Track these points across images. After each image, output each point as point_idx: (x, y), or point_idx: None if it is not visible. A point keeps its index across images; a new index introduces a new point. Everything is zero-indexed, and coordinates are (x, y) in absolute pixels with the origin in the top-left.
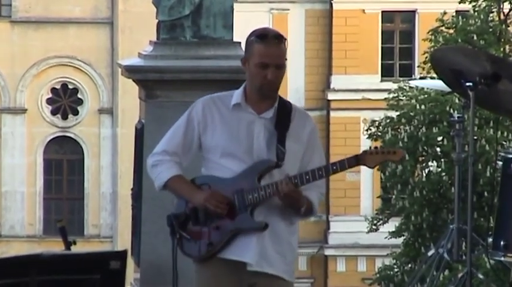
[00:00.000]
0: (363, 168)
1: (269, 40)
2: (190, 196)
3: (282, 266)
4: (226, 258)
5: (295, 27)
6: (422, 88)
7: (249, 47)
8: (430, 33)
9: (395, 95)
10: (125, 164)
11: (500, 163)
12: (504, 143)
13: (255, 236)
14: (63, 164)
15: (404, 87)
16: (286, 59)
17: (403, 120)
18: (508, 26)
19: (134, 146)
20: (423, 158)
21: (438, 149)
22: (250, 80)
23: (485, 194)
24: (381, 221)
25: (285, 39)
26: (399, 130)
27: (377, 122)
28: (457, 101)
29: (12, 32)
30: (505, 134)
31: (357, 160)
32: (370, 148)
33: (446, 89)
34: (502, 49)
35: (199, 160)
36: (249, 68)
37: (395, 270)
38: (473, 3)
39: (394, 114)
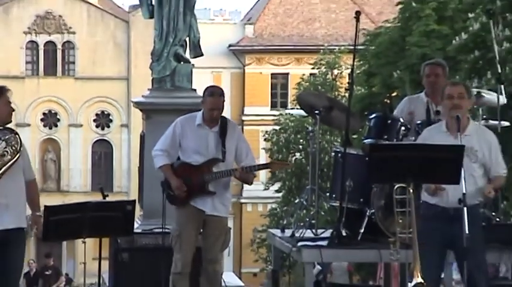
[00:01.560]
0: (262, 157)
1: (215, 96)
2: (170, 179)
3: (222, 211)
4: (195, 206)
5: (226, 81)
6: (292, 114)
7: (205, 97)
8: (296, 85)
9: (278, 117)
10: (135, 154)
11: (332, 154)
12: (335, 143)
13: (210, 198)
14: (102, 154)
15: (283, 113)
16: (224, 101)
17: (282, 130)
18: (336, 82)
19: (139, 145)
20: (292, 151)
21: (301, 146)
22: (205, 113)
23: (325, 170)
24: (270, 184)
25: (223, 93)
26: (280, 136)
27: (268, 132)
28: (310, 120)
29: (75, 83)
30: (335, 138)
31: (266, 166)
32: (273, 159)
33: (304, 114)
34: (333, 94)
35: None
36: (204, 107)
37: (278, 210)
38: (318, 69)
39: (277, 127)
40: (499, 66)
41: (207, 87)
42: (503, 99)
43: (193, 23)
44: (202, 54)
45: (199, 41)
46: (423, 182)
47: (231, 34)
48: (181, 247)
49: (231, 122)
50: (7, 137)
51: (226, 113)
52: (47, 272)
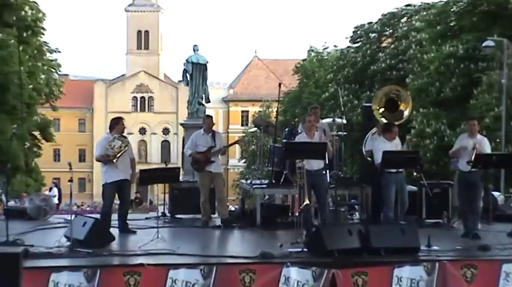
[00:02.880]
0: (238, 149)
1: (209, 119)
2: (196, 157)
3: (219, 169)
4: (206, 169)
5: (220, 114)
6: (251, 127)
7: (204, 120)
8: (252, 116)
9: (244, 130)
10: (180, 147)
11: (269, 146)
12: (270, 142)
13: (213, 164)
14: (166, 147)
15: (246, 129)
16: (214, 124)
17: (246, 136)
18: (270, 114)
19: (182, 143)
20: (251, 145)
21: (254, 142)
22: (205, 128)
23: (265, 153)
24: (241, 159)
25: (212, 118)
26: (245, 138)
27: (240, 137)
28: (259, 131)
29: (154, 115)
30: (269, 139)
31: (236, 142)
32: (238, 138)
33: (255, 129)
34: (269, 120)
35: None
36: (204, 125)
37: (244, 171)
38: (262, 108)
39: (244, 134)
40: (342, 107)
41: (205, 115)
42: (344, 122)
43: (206, 88)
44: (209, 102)
45: (208, 95)
46: (308, 158)
47: (223, 93)
48: (203, 189)
49: (217, 131)
50: (122, 139)
51: (221, 128)
52: (136, 200)
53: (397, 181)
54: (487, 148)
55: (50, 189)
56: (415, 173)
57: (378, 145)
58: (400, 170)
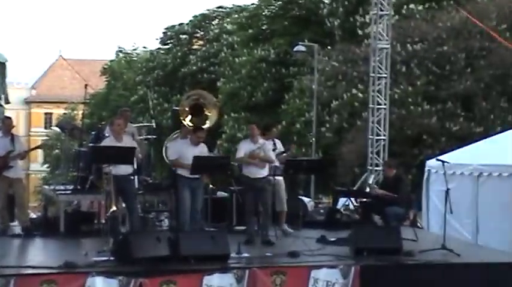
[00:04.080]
0: (40, 153)
1: (8, 121)
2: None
3: (20, 174)
4: (5, 175)
5: (21, 115)
6: (55, 130)
7: (3, 121)
8: (56, 119)
9: (48, 132)
10: None
11: (74, 150)
12: (75, 146)
13: (11, 169)
14: None
15: (50, 131)
16: (13, 126)
17: (50, 140)
18: (75, 117)
19: None
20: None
21: (58, 146)
22: (3, 131)
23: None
24: (44, 163)
25: (12, 119)
26: (50, 141)
27: (44, 140)
28: (63, 133)
29: None
30: (74, 143)
31: (39, 147)
32: (41, 143)
33: (60, 132)
34: (75, 122)
35: None
36: (2, 128)
37: (47, 176)
38: (68, 110)
39: (47, 137)
40: (152, 111)
41: (4, 116)
42: (154, 125)
43: (5, 88)
44: (9, 103)
45: (8, 96)
46: (115, 163)
47: (24, 93)
48: (0, 195)
49: (16, 134)
50: None
51: (22, 131)
52: None
53: (191, 187)
54: (271, 149)
55: None
56: (210, 185)
57: (181, 147)
58: (197, 176)
